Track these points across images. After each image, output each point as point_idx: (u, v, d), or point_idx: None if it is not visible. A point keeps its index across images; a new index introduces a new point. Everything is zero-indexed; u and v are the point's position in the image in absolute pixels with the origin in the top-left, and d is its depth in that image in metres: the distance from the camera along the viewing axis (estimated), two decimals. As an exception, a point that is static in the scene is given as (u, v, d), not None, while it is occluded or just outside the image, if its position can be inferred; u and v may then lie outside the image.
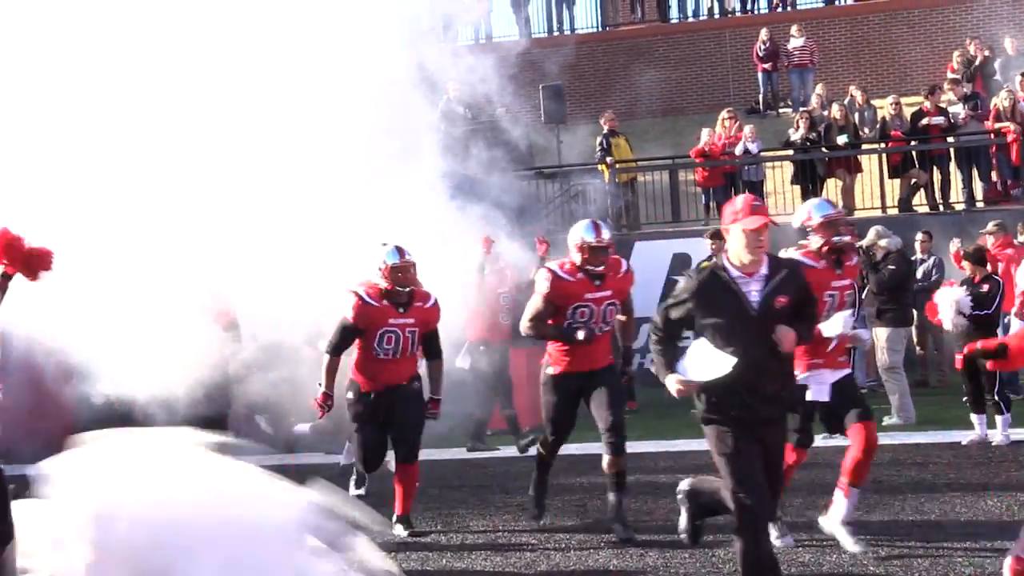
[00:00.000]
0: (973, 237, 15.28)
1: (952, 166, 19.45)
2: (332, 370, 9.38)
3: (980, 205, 18.99)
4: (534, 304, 9.13)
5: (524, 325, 9.21)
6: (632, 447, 11.51)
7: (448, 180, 19.28)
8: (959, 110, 19.53)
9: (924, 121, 19.40)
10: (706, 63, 26.96)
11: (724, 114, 20.96)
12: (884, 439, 12.62)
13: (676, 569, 7.93)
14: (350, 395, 9.49)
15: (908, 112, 19.97)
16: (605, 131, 20.90)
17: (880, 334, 13.80)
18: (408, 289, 9.44)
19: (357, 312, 9.31)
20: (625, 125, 22.46)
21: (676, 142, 22.38)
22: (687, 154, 20.71)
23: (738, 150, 20.04)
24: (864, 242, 14.39)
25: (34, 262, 8.14)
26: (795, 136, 19.90)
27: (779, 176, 20.40)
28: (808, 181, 19.61)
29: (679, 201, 20.77)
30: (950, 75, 22.11)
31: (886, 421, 13.70)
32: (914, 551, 8.07)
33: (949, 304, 12.24)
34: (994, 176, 19.16)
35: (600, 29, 28.29)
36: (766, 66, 24.89)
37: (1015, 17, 23.67)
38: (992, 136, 18.89)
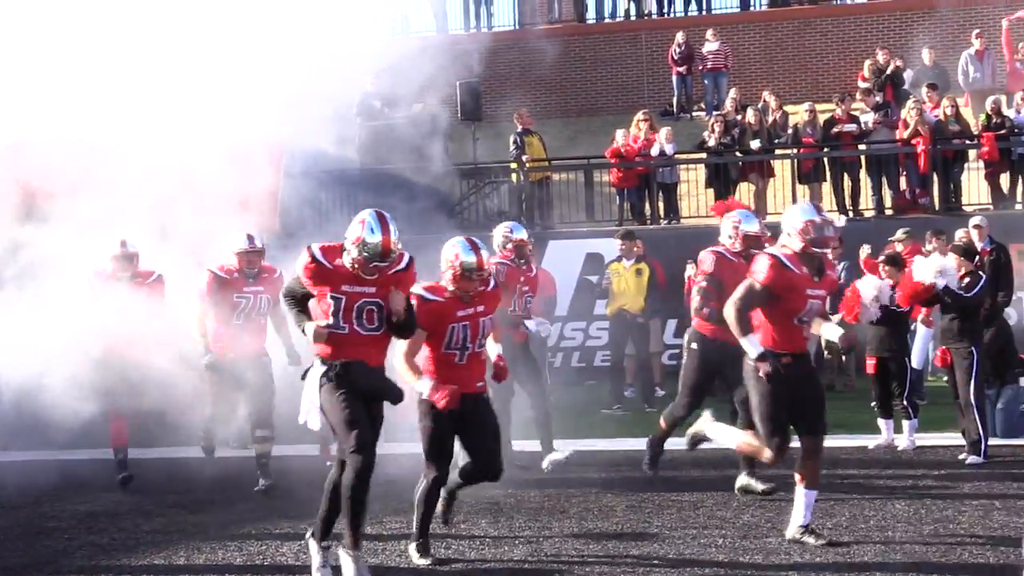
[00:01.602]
0: (881, 244, 15.48)
1: (862, 173, 19.70)
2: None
3: (889, 212, 19.25)
4: None
5: None
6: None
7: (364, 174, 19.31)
8: (870, 118, 19.79)
9: (836, 128, 19.64)
10: (622, 64, 27.11)
11: (639, 115, 21.04)
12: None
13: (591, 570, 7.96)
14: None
15: (820, 119, 20.21)
16: (519, 130, 20.92)
17: (791, 338, 13.93)
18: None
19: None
20: (541, 124, 22.49)
21: (591, 142, 22.45)
22: (602, 154, 20.76)
23: (653, 151, 20.13)
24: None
25: None
26: (711, 140, 20.04)
27: (693, 179, 20.56)
28: (722, 184, 19.76)
29: (593, 201, 20.83)
30: (861, 83, 22.42)
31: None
32: (824, 554, 8.16)
33: (871, 290, 12.38)
34: (903, 184, 19.42)
35: (517, 27, 28.30)
36: (681, 69, 25.08)
37: (927, 28, 24.08)
38: (901, 145, 19.15)
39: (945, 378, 12.36)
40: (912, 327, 13.31)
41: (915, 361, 12.89)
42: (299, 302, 7.89)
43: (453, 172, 20.71)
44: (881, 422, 12.45)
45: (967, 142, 19.29)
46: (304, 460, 11.97)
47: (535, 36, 27.40)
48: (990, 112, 18.95)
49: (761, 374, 8.18)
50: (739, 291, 8.34)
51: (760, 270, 8.25)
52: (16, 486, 11.39)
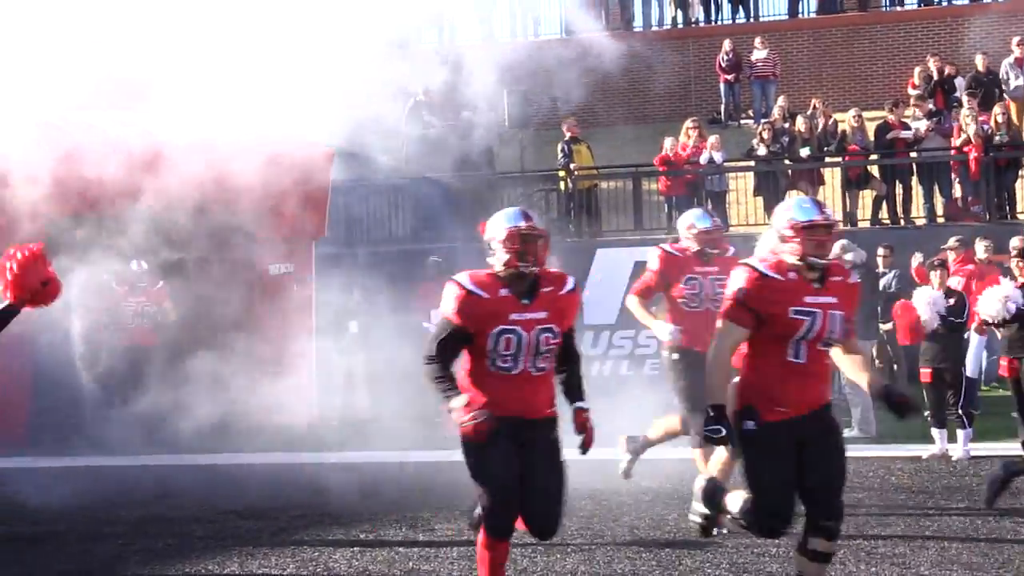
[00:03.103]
0: (933, 252, 15.37)
1: (914, 180, 19.56)
2: None
3: (940, 220, 19.10)
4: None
5: None
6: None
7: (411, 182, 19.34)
8: (923, 125, 19.63)
9: (890, 135, 19.50)
10: (669, 72, 27.01)
11: (689, 123, 20.99)
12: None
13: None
14: None
15: (869, 126, 20.08)
16: (567, 137, 20.90)
17: (844, 347, 13.84)
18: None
19: None
20: (587, 132, 22.47)
21: (638, 150, 22.39)
22: (650, 162, 20.73)
23: (702, 159, 20.07)
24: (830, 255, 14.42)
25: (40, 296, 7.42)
26: (761, 149, 19.94)
27: (742, 187, 20.47)
28: (771, 192, 19.68)
29: (642, 209, 20.80)
30: (911, 91, 22.26)
31: (847, 433, 13.73)
32: (881, 565, 8.09)
33: (927, 302, 12.28)
34: (956, 191, 19.27)
35: (564, 35, 28.26)
36: (728, 77, 24.99)
37: (977, 35, 23.89)
38: (953, 152, 19.00)
39: (999, 389, 12.24)
40: (965, 335, 13.22)
41: (970, 370, 12.80)
42: None
43: (501, 180, 20.72)
44: (935, 431, 12.34)
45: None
46: (358, 467, 12.02)
47: (582, 44, 27.39)
48: (1046, 120, 18.79)
49: None
50: None
51: None
52: (71, 492, 11.46)
